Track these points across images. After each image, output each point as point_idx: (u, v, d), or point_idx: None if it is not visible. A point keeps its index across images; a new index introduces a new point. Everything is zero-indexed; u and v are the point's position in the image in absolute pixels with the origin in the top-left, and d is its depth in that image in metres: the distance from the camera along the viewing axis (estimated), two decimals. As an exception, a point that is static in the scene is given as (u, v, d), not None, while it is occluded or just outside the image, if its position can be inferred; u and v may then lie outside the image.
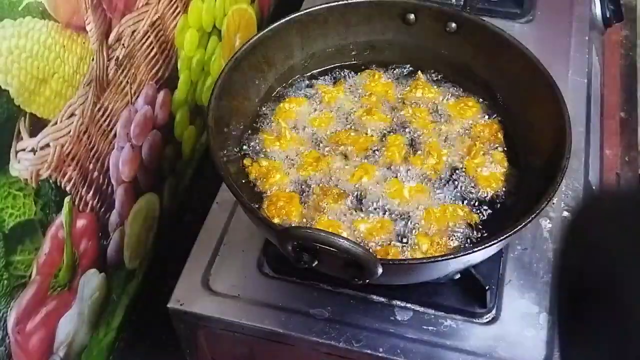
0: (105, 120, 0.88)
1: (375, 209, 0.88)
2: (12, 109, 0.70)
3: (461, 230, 0.86)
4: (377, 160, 0.93)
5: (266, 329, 0.87)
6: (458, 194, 0.90)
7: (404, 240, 0.85)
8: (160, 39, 0.97)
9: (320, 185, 0.90)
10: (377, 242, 0.85)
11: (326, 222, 0.86)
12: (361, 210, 0.88)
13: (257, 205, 0.89)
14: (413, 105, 0.99)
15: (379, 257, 0.80)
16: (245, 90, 0.98)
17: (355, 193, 0.90)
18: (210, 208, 1.00)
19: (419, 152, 0.94)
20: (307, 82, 1.04)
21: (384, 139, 0.95)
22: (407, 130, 0.97)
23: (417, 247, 0.84)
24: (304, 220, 0.87)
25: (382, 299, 0.89)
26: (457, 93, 1.02)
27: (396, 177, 0.91)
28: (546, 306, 0.88)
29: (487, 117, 0.98)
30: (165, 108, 1.04)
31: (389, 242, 0.85)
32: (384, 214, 0.88)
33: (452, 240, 0.85)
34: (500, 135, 0.96)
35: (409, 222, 0.87)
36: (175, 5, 0.99)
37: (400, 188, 0.90)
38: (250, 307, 0.89)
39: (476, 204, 0.89)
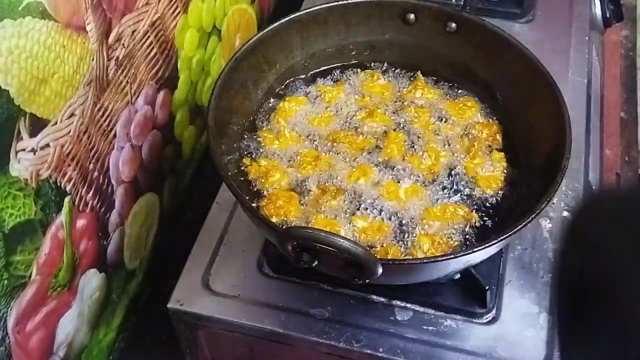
0: (105, 120, 0.88)
1: (372, 209, 0.88)
2: (12, 109, 0.70)
3: (462, 230, 0.87)
4: (375, 157, 0.93)
5: (266, 329, 0.87)
6: (457, 194, 0.90)
7: (405, 240, 0.85)
8: (160, 39, 0.97)
9: (318, 184, 0.90)
10: (377, 242, 0.85)
11: (323, 222, 0.86)
12: (358, 210, 0.88)
13: (256, 205, 0.89)
14: (415, 106, 0.99)
15: (379, 257, 0.80)
16: (245, 90, 0.98)
17: (353, 192, 0.90)
18: (210, 208, 1.00)
19: (418, 152, 0.94)
20: (307, 82, 1.04)
21: (383, 140, 0.95)
22: (408, 130, 0.97)
23: (418, 246, 0.84)
24: (302, 219, 0.87)
25: (382, 299, 0.89)
26: (456, 93, 1.02)
27: (392, 178, 0.91)
28: (546, 306, 0.88)
29: (486, 117, 0.98)
30: (165, 108, 1.04)
31: (389, 242, 0.85)
32: (381, 214, 0.88)
33: (452, 239, 0.85)
34: (499, 136, 0.96)
35: (409, 222, 0.87)
36: (175, 5, 0.99)
37: (396, 189, 0.89)
38: (250, 307, 0.89)
39: (476, 204, 0.89)
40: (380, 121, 0.97)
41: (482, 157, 0.93)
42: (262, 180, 0.91)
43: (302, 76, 1.04)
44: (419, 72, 1.03)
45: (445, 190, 0.90)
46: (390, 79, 1.04)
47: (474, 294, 0.88)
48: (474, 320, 0.87)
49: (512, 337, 0.86)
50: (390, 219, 0.87)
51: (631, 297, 0.46)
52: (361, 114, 0.99)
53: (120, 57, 0.88)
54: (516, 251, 0.93)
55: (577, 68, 1.16)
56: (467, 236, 0.86)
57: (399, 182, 0.91)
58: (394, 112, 0.99)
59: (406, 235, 0.86)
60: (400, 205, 0.88)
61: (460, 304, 0.88)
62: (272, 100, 1.01)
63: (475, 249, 0.77)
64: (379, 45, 1.06)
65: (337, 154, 0.94)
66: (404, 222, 0.87)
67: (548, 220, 0.96)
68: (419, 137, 0.96)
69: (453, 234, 0.86)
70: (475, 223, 0.87)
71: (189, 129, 1.15)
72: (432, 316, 0.88)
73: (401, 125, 0.98)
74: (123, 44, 0.88)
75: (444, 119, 0.98)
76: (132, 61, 0.91)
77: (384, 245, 0.85)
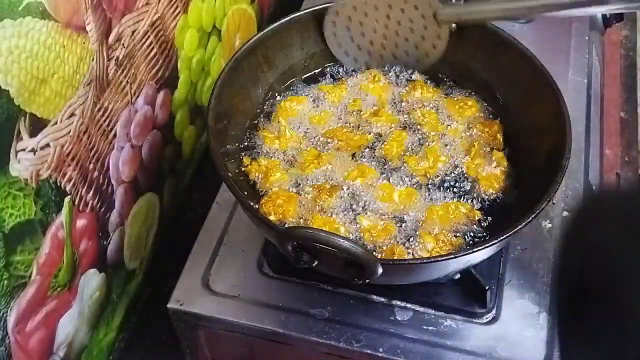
0: (105, 120, 0.88)
1: (372, 210, 0.88)
2: (12, 109, 0.70)
3: (465, 228, 0.86)
4: (372, 154, 0.93)
5: (266, 329, 0.87)
6: (458, 194, 0.90)
7: (409, 239, 0.85)
8: (160, 39, 0.97)
9: (314, 184, 0.90)
10: (382, 242, 0.85)
11: (321, 220, 0.86)
12: (358, 213, 0.88)
13: (256, 205, 0.89)
14: (418, 106, 0.99)
15: (379, 256, 0.80)
16: (245, 90, 0.98)
17: (350, 191, 0.89)
18: (210, 208, 1.00)
19: (418, 153, 0.93)
20: (307, 82, 1.04)
21: (382, 139, 0.95)
22: (413, 130, 0.96)
23: (422, 246, 0.84)
24: (301, 218, 0.87)
25: (382, 299, 0.89)
26: (456, 93, 1.01)
27: (387, 180, 0.90)
28: (546, 306, 0.88)
29: (487, 117, 0.98)
30: (165, 108, 1.04)
31: (394, 242, 0.85)
32: (382, 214, 0.87)
33: (456, 238, 0.85)
34: (500, 136, 0.96)
35: (413, 221, 0.87)
36: (175, 5, 0.99)
37: (390, 192, 0.89)
38: (250, 307, 0.89)
39: (476, 204, 0.89)
40: (386, 120, 0.97)
41: (482, 157, 0.93)
42: (263, 180, 0.91)
43: (302, 76, 1.04)
44: (416, 72, 1.03)
45: (445, 191, 0.90)
46: (390, 78, 1.04)
47: (474, 294, 0.88)
48: (474, 320, 0.87)
49: (512, 337, 0.86)
50: (393, 219, 0.87)
51: (631, 297, 0.47)
52: (367, 112, 0.98)
53: (120, 57, 0.88)
54: (516, 251, 0.93)
55: (577, 68, 1.16)
56: (470, 234, 0.86)
57: (389, 180, 0.90)
58: (400, 113, 0.99)
59: (410, 235, 0.86)
60: (397, 206, 0.88)
61: (460, 304, 0.88)
62: (272, 100, 1.01)
63: (475, 249, 0.77)
64: (379, 45, 1.06)
65: (338, 153, 0.94)
66: (407, 221, 0.87)
67: (548, 220, 0.96)
68: (422, 137, 0.95)
69: (457, 232, 0.86)
70: (478, 220, 0.87)
71: (189, 129, 1.15)
72: (432, 316, 0.88)
73: (407, 125, 0.97)
74: (123, 44, 0.88)
75: (446, 120, 0.98)
76: (132, 61, 0.91)
77: (389, 245, 0.84)
